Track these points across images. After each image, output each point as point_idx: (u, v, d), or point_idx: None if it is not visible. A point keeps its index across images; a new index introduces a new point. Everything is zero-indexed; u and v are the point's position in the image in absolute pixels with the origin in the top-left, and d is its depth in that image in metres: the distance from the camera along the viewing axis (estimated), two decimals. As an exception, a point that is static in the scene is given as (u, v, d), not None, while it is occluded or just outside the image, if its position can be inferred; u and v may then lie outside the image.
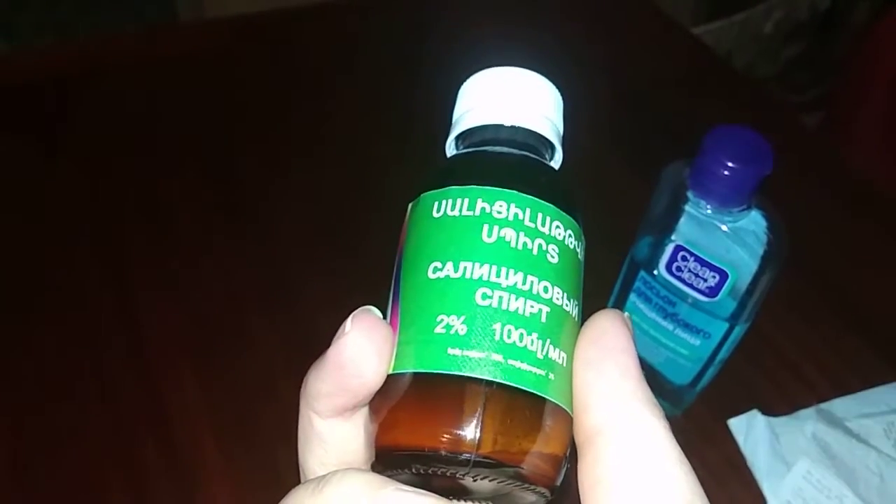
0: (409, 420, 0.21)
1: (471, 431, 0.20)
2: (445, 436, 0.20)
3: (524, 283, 0.22)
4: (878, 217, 0.74)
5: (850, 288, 0.67)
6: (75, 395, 0.55)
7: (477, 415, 0.20)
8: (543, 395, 0.21)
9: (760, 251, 0.46)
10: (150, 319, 0.60)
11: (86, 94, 0.79)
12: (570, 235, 0.23)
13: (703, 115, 0.82)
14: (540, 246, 0.22)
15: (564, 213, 0.23)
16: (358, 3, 0.95)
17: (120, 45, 0.89)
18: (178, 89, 0.81)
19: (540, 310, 0.22)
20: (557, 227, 0.23)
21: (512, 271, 0.22)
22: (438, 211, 0.23)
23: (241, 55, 0.87)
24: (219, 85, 0.83)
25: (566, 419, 0.21)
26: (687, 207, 0.46)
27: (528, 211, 0.22)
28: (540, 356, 0.21)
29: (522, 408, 0.21)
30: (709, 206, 0.45)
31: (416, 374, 0.21)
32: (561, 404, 0.21)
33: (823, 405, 0.56)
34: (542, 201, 0.23)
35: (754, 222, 0.45)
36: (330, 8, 0.94)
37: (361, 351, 0.21)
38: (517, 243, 0.22)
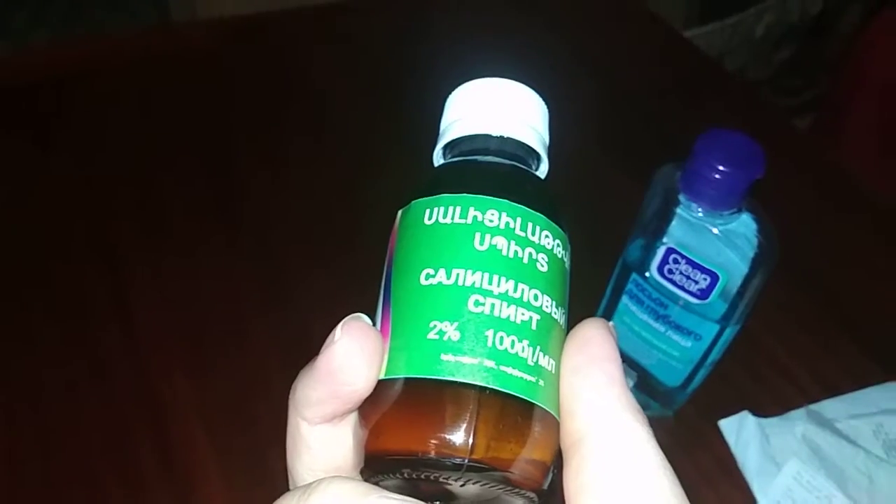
0: (402, 425, 0.21)
1: (464, 436, 0.20)
2: (439, 440, 0.20)
3: (515, 291, 0.22)
4: (868, 220, 0.75)
5: (840, 290, 0.67)
6: (70, 394, 0.55)
7: (471, 420, 0.20)
8: (534, 402, 0.21)
9: (751, 254, 0.46)
10: (145, 317, 0.60)
11: (81, 94, 0.79)
12: (558, 245, 0.24)
13: (694, 118, 0.82)
14: (530, 254, 0.23)
15: (552, 223, 0.24)
16: (352, 4, 0.95)
17: (114, 44, 0.89)
18: (172, 89, 0.81)
19: (531, 317, 0.22)
20: (546, 236, 0.23)
21: (504, 279, 0.22)
22: (430, 218, 0.23)
23: (235, 55, 0.87)
24: (213, 84, 0.83)
25: (554, 425, 0.22)
26: (678, 210, 0.47)
27: (518, 220, 0.23)
28: (531, 363, 0.22)
29: (514, 414, 0.21)
30: (700, 209, 0.45)
31: (408, 379, 0.21)
32: (550, 410, 0.22)
33: (813, 406, 0.57)
34: (532, 211, 0.23)
35: (745, 225, 0.46)
36: (323, 9, 0.94)
37: (352, 359, 0.21)
38: (508, 251, 0.22)
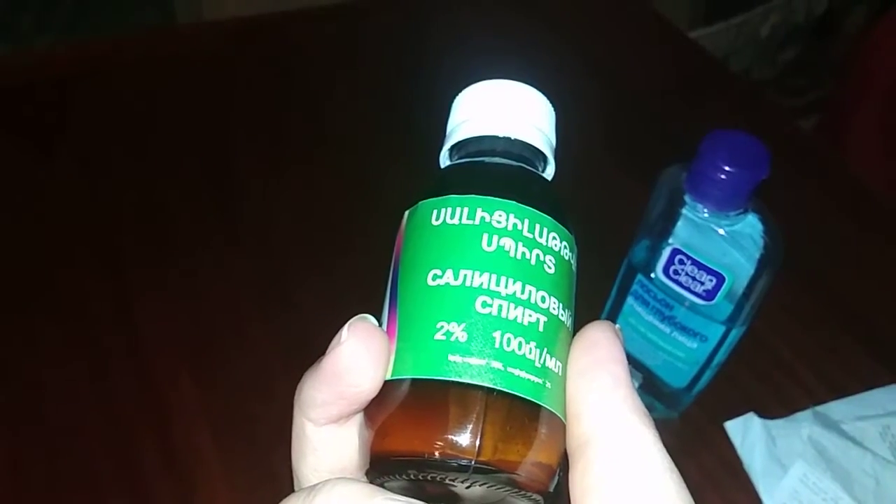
0: (408, 426, 0.21)
1: (472, 438, 0.20)
2: (446, 442, 0.20)
3: (523, 293, 0.22)
4: (874, 220, 0.75)
5: (846, 291, 0.67)
6: (73, 396, 0.55)
7: (477, 421, 0.20)
8: (541, 404, 0.21)
9: (757, 255, 0.46)
10: (147, 320, 0.60)
11: (85, 96, 0.79)
12: (565, 247, 0.24)
13: (699, 118, 0.82)
14: (538, 256, 0.23)
15: (560, 225, 0.24)
16: (356, 5, 0.95)
17: (119, 46, 0.89)
18: (176, 91, 0.81)
19: (538, 319, 0.22)
20: (554, 238, 0.23)
21: (511, 280, 0.22)
22: (438, 219, 0.23)
23: (239, 57, 0.87)
24: (217, 86, 0.83)
25: (561, 427, 0.22)
26: (684, 211, 0.46)
27: (526, 221, 0.23)
28: (538, 365, 0.21)
29: (521, 416, 0.21)
30: (706, 210, 0.45)
31: (415, 380, 0.21)
32: (556, 412, 0.22)
33: (819, 408, 0.56)
34: (540, 212, 0.23)
35: (751, 226, 0.46)
36: (327, 10, 0.94)
37: (358, 360, 0.21)
38: (516, 253, 0.22)
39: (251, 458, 0.52)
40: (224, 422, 0.54)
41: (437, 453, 0.20)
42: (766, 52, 1.75)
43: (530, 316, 0.22)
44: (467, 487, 0.21)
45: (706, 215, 0.45)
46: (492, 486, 0.21)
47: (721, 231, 0.45)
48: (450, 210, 0.23)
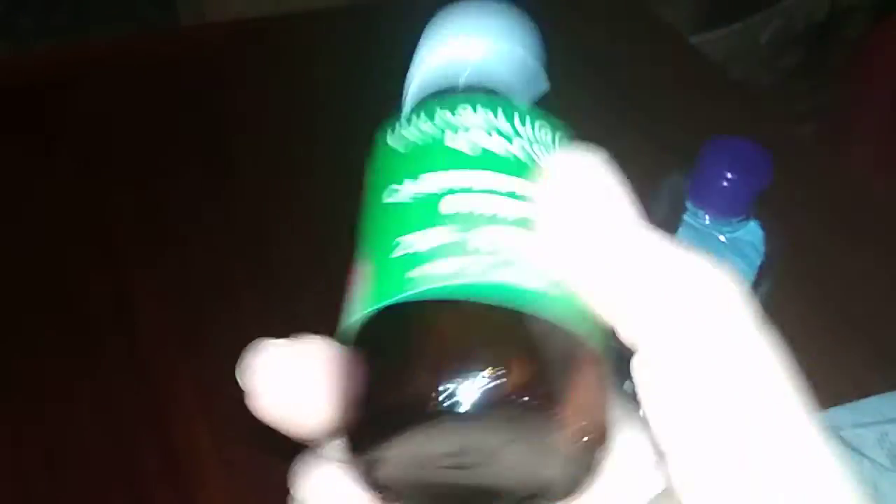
0: (382, 384, 0.17)
1: (474, 364, 0.16)
2: (435, 386, 0.16)
3: (501, 185, 0.18)
4: (875, 228, 0.75)
5: (846, 298, 0.67)
6: (73, 396, 0.55)
7: (479, 345, 0.16)
8: (548, 314, 0.17)
9: (758, 262, 0.46)
10: (147, 321, 0.60)
11: (85, 96, 0.79)
12: (543, 126, 0.21)
13: (700, 124, 0.82)
14: (521, 146, 0.19)
15: (543, 114, 0.21)
16: (358, 6, 0.95)
17: (119, 46, 0.89)
18: (176, 91, 0.81)
19: (521, 208, 0.18)
20: (542, 126, 0.20)
21: (486, 173, 0.18)
22: (393, 134, 0.21)
23: (241, 58, 0.87)
24: (218, 86, 0.83)
25: (588, 348, 0.18)
26: (685, 217, 0.46)
27: (500, 111, 0.20)
28: (536, 266, 0.17)
29: (521, 328, 0.17)
30: (707, 217, 0.45)
31: (380, 312, 0.17)
32: (574, 325, 0.17)
33: (817, 415, 0.56)
34: (513, 103, 0.20)
35: (752, 233, 0.46)
36: (329, 12, 0.94)
37: (284, 411, 0.19)
38: (491, 145, 0.19)
39: (251, 458, 0.52)
40: (224, 422, 0.54)
41: (429, 401, 0.16)
42: (767, 59, 1.75)
43: (512, 206, 0.18)
44: (489, 461, 0.17)
45: (707, 222, 0.45)
46: (516, 443, 0.16)
47: (722, 238, 0.45)
48: (405, 120, 0.20)
